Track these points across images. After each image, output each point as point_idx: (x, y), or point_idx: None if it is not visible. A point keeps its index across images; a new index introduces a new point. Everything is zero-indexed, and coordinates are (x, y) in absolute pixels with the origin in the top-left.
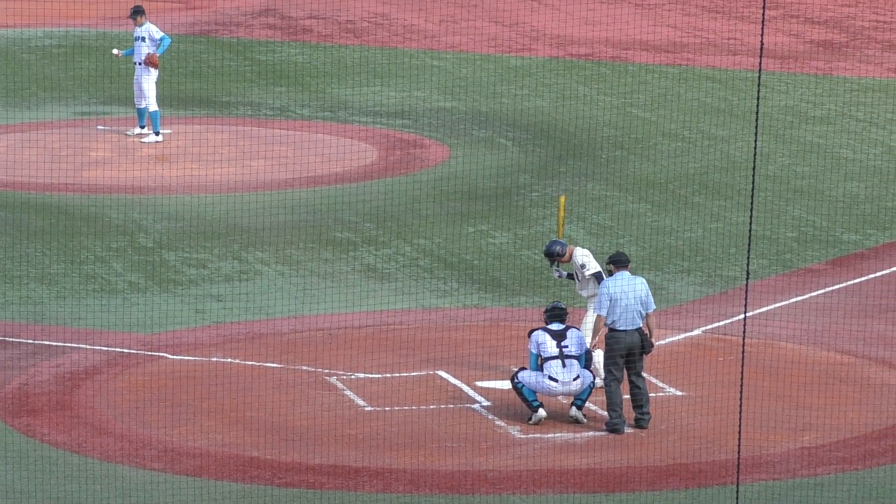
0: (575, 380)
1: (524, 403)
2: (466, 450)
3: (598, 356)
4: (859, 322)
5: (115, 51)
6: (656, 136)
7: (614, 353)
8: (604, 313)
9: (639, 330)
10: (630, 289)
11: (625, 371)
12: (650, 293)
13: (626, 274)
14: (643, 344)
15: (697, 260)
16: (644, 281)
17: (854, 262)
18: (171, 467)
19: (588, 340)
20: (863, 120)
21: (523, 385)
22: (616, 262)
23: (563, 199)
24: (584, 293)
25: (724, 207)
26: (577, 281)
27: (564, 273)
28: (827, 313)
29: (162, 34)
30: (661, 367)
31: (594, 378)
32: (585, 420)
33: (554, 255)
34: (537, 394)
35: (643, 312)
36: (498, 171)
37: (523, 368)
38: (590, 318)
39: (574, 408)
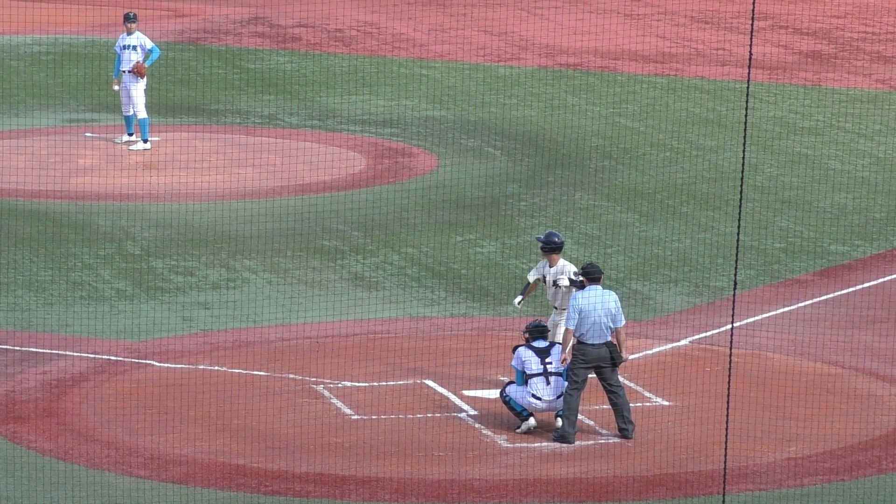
0: (558, 397)
1: (513, 414)
2: (453, 459)
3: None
4: (846, 333)
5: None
6: (644, 147)
7: (579, 365)
8: (572, 326)
9: (607, 343)
10: (600, 303)
11: (602, 384)
12: (621, 308)
13: (597, 288)
14: (612, 357)
15: (685, 270)
16: (615, 296)
17: (842, 273)
18: (158, 475)
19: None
20: (851, 131)
21: (511, 398)
22: (588, 275)
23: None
24: (556, 303)
25: (711, 218)
26: (550, 289)
27: (521, 298)
28: (814, 324)
29: (153, 45)
30: (647, 376)
31: None
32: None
33: (556, 247)
34: None
35: (612, 327)
36: (486, 180)
37: (511, 382)
38: (560, 330)
39: (559, 419)
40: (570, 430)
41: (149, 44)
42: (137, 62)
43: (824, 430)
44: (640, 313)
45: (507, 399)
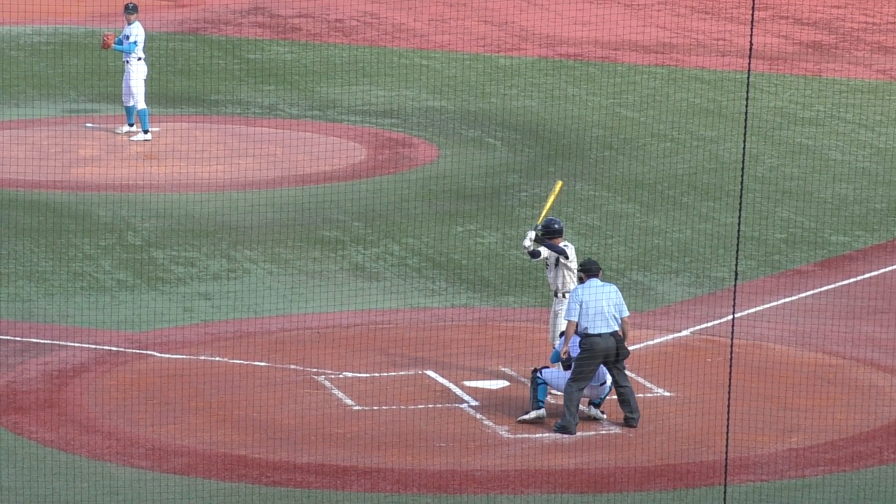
0: (601, 385)
1: (531, 398)
2: (454, 449)
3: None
4: (847, 324)
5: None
6: (645, 137)
7: (586, 359)
8: (574, 319)
9: (614, 334)
10: (601, 294)
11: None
12: (622, 299)
13: (596, 281)
14: (619, 349)
15: (686, 261)
16: (616, 288)
17: (842, 263)
18: (159, 465)
19: (558, 343)
20: (851, 122)
21: (543, 383)
22: (586, 270)
23: (559, 184)
24: (555, 286)
25: (712, 208)
26: (550, 272)
27: (532, 241)
28: (815, 315)
29: (134, 40)
30: (649, 367)
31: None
32: (604, 415)
33: (554, 233)
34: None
35: (618, 317)
36: (487, 170)
37: (546, 367)
38: (560, 320)
39: (593, 407)
40: (572, 421)
41: (133, 37)
42: (110, 34)
43: (825, 420)
44: (642, 304)
45: (539, 381)
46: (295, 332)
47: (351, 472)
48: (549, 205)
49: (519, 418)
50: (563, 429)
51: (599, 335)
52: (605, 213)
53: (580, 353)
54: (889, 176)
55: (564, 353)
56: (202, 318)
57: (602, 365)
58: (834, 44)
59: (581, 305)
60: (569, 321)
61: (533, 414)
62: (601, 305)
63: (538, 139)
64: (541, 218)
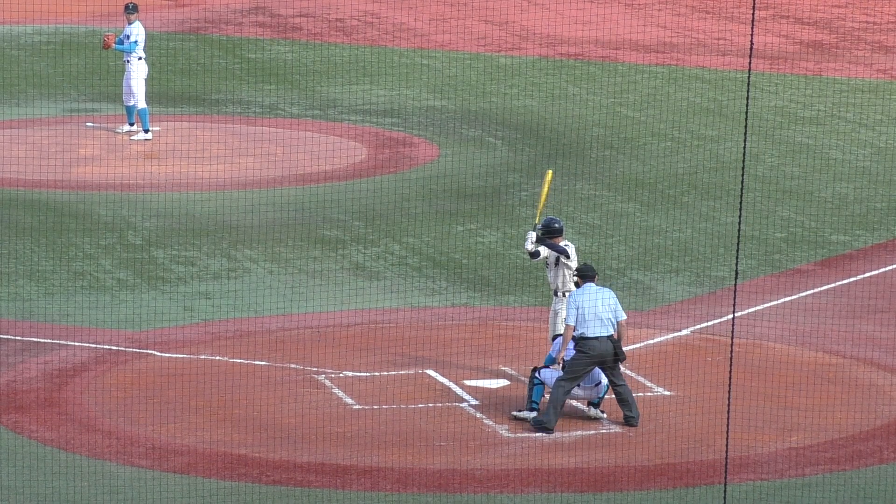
0: (596, 385)
1: (526, 398)
2: (454, 448)
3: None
4: (847, 323)
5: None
6: (646, 136)
7: (581, 360)
8: (572, 323)
9: (610, 337)
10: (597, 297)
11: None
12: (619, 303)
13: (592, 286)
14: (616, 352)
15: (686, 260)
16: (612, 292)
17: (843, 262)
18: (159, 464)
19: (555, 345)
20: (852, 121)
21: (540, 383)
22: (582, 275)
23: (550, 173)
24: (555, 285)
25: (713, 208)
26: (550, 271)
27: (533, 244)
28: (815, 314)
29: (135, 40)
30: (649, 366)
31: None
32: (605, 414)
33: (554, 232)
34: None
35: (614, 321)
36: (487, 170)
37: (546, 367)
38: (560, 320)
39: (592, 407)
40: (553, 419)
41: (133, 36)
42: (110, 35)
43: (825, 419)
44: (642, 303)
45: (536, 381)
46: (295, 332)
47: (351, 471)
48: (543, 197)
49: (512, 413)
50: (540, 424)
51: (596, 338)
52: (606, 212)
53: (574, 355)
54: (889, 175)
55: (560, 358)
56: (202, 317)
57: (597, 366)
58: (834, 43)
59: (578, 310)
60: (567, 325)
61: (524, 414)
62: (597, 309)
63: (539, 138)
64: (538, 212)
